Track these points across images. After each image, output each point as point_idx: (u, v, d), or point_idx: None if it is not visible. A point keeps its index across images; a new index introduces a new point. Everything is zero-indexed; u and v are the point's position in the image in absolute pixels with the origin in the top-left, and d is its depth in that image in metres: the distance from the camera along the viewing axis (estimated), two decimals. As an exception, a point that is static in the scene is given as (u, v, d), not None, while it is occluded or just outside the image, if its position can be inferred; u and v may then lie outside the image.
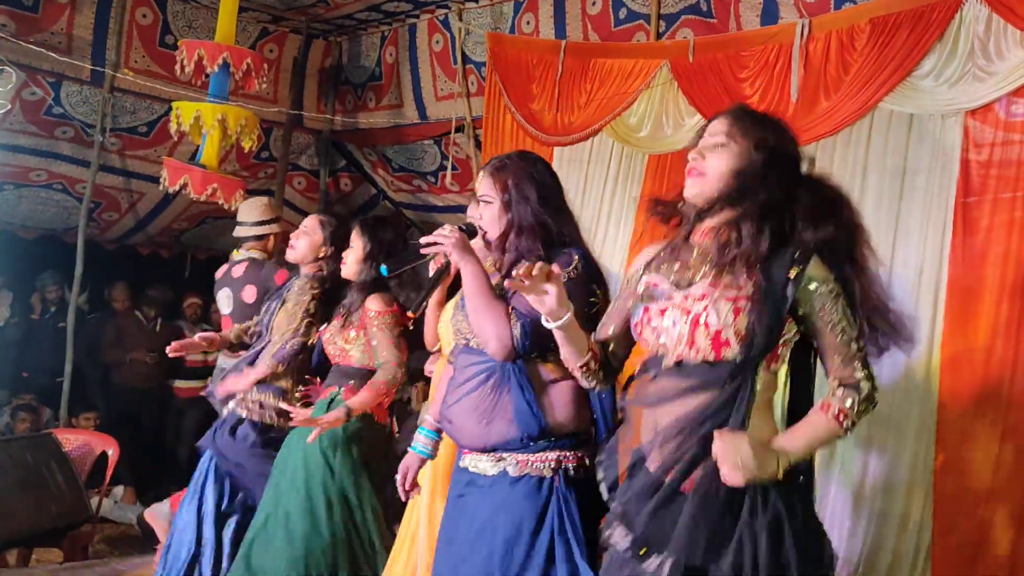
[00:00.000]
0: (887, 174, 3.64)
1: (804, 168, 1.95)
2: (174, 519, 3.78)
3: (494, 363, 2.25)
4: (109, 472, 4.83)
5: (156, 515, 4.57)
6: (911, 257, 3.51)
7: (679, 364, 1.89)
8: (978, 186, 3.38)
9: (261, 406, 3.64)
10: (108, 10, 5.88)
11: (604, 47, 4.92)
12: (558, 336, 2.03)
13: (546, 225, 2.31)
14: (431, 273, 3.00)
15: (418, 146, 6.55)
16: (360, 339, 3.32)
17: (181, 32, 6.13)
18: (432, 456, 2.62)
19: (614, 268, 4.25)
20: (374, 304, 3.29)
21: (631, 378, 2.09)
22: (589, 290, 2.25)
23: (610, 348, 2.12)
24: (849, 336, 1.84)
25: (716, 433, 1.78)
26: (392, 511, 3.31)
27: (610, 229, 4.61)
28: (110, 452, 4.87)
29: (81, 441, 4.97)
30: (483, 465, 2.28)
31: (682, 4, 4.65)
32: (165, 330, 7.29)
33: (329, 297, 3.63)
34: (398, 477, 2.64)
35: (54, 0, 5.68)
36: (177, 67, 5.15)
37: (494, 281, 2.31)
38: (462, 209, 3.01)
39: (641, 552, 1.87)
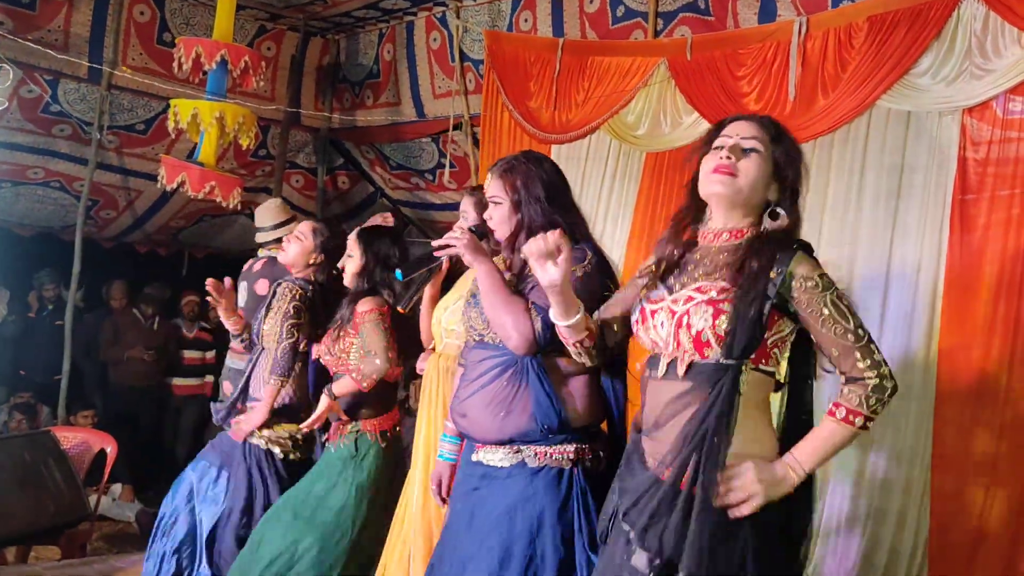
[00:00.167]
0: (885, 172, 3.64)
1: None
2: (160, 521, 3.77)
3: (510, 357, 2.27)
4: (107, 470, 4.83)
5: None
6: (909, 254, 3.52)
7: (671, 364, 1.91)
8: (975, 184, 3.38)
9: (271, 431, 3.63)
10: (106, 7, 5.88)
11: (602, 45, 4.92)
12: (563, 331, 2.04)
13: (556, 223, 2.32)
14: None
15: (416, 144, 6.55)
16: (356, 343, 3.32)
17: (179, 30, 6.13)
18: (457, 462, 2.60)
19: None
20: (364, 305, 3.32)
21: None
22: (603, 284, 2.29)
23: (608, 330, 2.14)
24: (843, 328, 1.83)
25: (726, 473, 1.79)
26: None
27: (607, 227, 4.62)
28: (108, 450, 4.87)
29: (79, 439, 4.97)
30: (498, 458, 2.28)
31: (680, 2, 4.65)
32: (163, 328, 7.30)
33: (320, 305, 3.63)
34: (432, 487, 2.65)
35: (51, -3, 5.68)
36: (175, 65, 5.14)
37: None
38: (459, 207, 3.01)
39: (635, 550, 1.88)
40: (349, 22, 6.60)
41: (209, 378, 7.49)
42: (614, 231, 4.59)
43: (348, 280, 3.42)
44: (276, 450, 3.61)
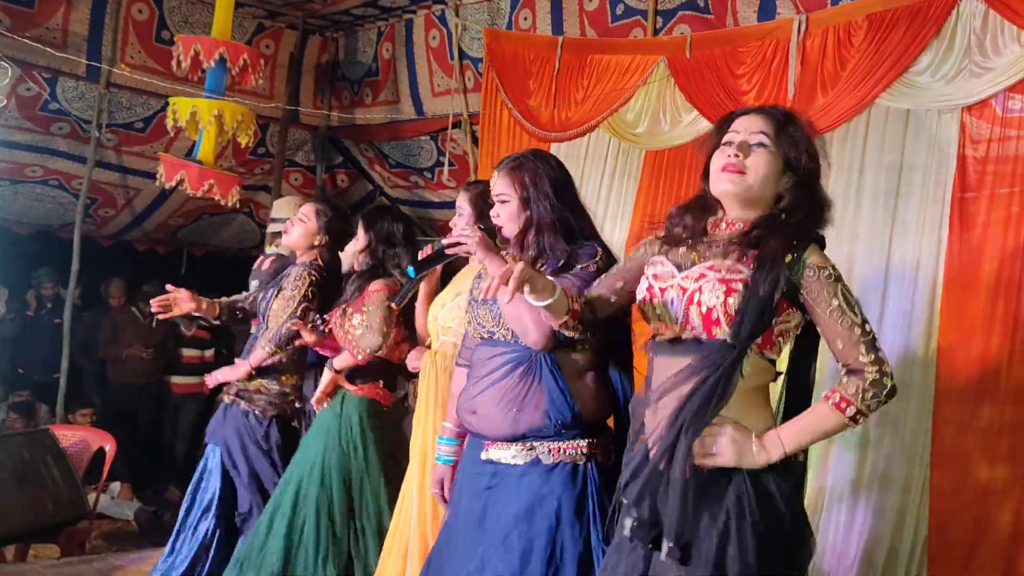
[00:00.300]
0: (884, 170, 3.64)
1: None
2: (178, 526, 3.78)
3: (521, 353, 2.27)
4: (106, 468, 4.83)
5: None
6: (908, 253, 3.52)
7: (673, 342, 1.92)
8: (975, 182, 3.38)
9: (260, 393, 3.65)
10: (104, 5, 5.87)
11: (601, 43, 4.92)
12: (543, 312, 2.04)
13: (566, 221, 2.35)
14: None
15: (415, 142, 6.54)
16: (361, 320, 3.36)
17: (177, 27, 6.12)
18: (456, 463, 2.60)
19: (611, 264, 4.25)
20: (375, 285, 3.39)
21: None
22: None
23: (600, 303, 2.15)
24: (852, 320, 1.83)
25: (706, 429, 1.81)
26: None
27: (607, 225, 4.61)
28: (107, 448, 4.87)
29: (78, 437, 4.97)
30: (511, 455, 2.27)
31: (679, 0, 4.65)
32: (161, 326, 7.28)
33: (325, 287, 3.64)
34: (435, 491, 2.63)
35: (50, -5, 5.67)
36: (173, 63, 5.13)
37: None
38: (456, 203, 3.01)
39: (640, 531, 1.88)
40: (348, 20, 6.59)
41: (208, 376, 7.48)
42: (613, 229, 4.59)
43: (354, 261, 3.50)
44: (257, 411, 3.63)
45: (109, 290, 7.30)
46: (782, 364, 1.99)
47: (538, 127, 4.97)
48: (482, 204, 2.87)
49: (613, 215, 4.62)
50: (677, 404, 1.84)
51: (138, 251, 8.03)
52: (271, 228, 4.64)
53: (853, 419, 1.82)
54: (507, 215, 2.37)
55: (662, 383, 1.91)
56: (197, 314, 3.79)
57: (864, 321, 1.84)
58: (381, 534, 3.27)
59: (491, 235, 2.41)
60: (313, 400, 3.46)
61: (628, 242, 4.48)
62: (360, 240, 3.46)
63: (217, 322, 3.99)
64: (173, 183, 5.20)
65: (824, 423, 1.84)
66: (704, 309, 1.86)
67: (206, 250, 8.42)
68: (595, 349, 2.31)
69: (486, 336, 2.37)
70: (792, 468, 1.92)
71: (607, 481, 2.24)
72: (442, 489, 2.62)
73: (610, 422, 2.40)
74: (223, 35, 5.21)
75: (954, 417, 3.33)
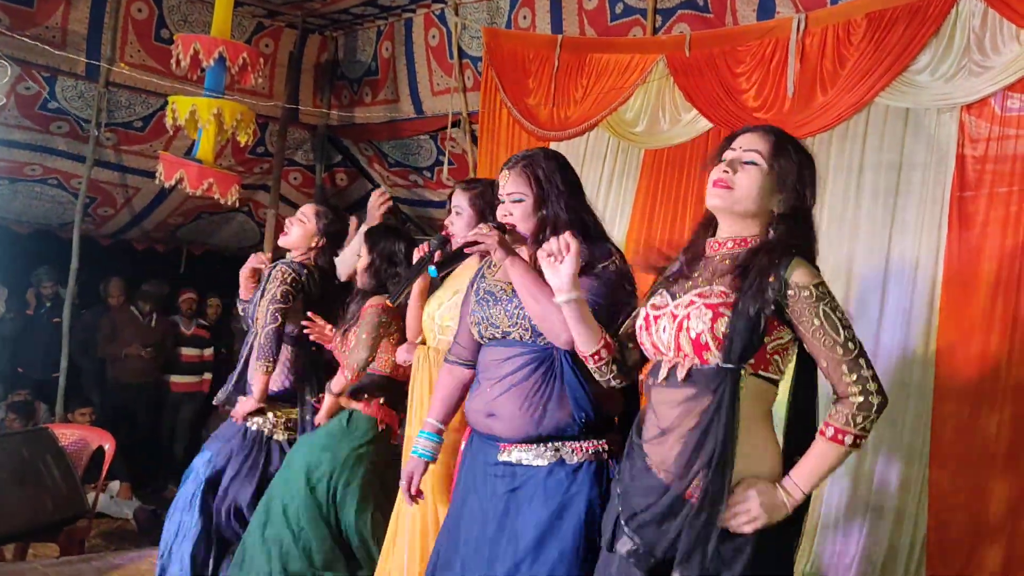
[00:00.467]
0: (883, 169, 3.64)
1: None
2: (170, 519, 3.77)
3: (540, 352, 2.25)
4: (105, 467, 4.82)
5: None
6: (907, 251, 3.52)
7: (673, 370, 1.92)
8: (974, 181, 3.38)
9: (269, 417, 3.65)
10: (103, 4, 5.88)
11: (600, 42, 4.92)
12: (567, 314, 2.03)
13: (582, 220, 2.34)
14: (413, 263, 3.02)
15: (414, 141, 6.54)
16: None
17: (176, 26, 6.12)
18: (434, 459, 2.57)
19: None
20: (370, 302, 3.38)
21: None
22: (623, 284, 2.28)
23: (628, 346, 2.12)
24: (832, 340, 1.82)
25: (731, 501, 1.81)
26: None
27: (606, 224, 4.61)
28: (106, 447, 4.86)
29: (77, 436, 4.96)
30: (533, 456, 2.25)
31: (678, -1, 4.66)
32: (160, 325, 7.30)
33: (320, 289, 3.63)
34: (402, 484, 2.56)
35: (49, -6, 5.67)
36: (173, 61, 5.14)
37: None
38: (451, 201, 3.00)
39: (637, 556, 1.89)
40: (347, 19, 6.59)
41: (207, 375, 7.50)
42: (612, 228, 4.58)
43: (359, 278, 3.49)
44: (277, 435, 3.63)
45: (108, 289, 7.30)
46: (786, 381, 1.99)
47: (537, 126, 4.97)
48: (482, 204, 2.86)
49: (612, 214, 4.62)
50: (688, 440, 1.84)
51: (137, 250, 8.03)
52: None
53: (854, 445, 1.83)
54: (521, 214, 2.33)
55: (663, 414, 1.91)
56: None
57: (848, 339, 1.82)
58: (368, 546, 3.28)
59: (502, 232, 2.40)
60: (318, 420, 3.44)
61: (628, 239, 4.49)
62: (363, 258, 3.46)
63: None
64: (172, 182, 5.20)
65: (830, 459, 1.85)
66: (693, 335, 1.86)
67: (205, 249, 8.42)
68: None
69: (499, 336, 2.33)
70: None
71: None
72: (410, 484, 2.54)
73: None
74: (222, 34, 5.21)
75: (953, 416, 3.33)
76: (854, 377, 1.81)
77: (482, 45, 5.37)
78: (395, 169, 6.96)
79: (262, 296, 3.63)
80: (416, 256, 3.05)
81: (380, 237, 3.47)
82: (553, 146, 4.87)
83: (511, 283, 2.33)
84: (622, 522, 1.94)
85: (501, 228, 2.32)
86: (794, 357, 1.95)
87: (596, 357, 2.05)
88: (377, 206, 3.82)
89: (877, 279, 3.56)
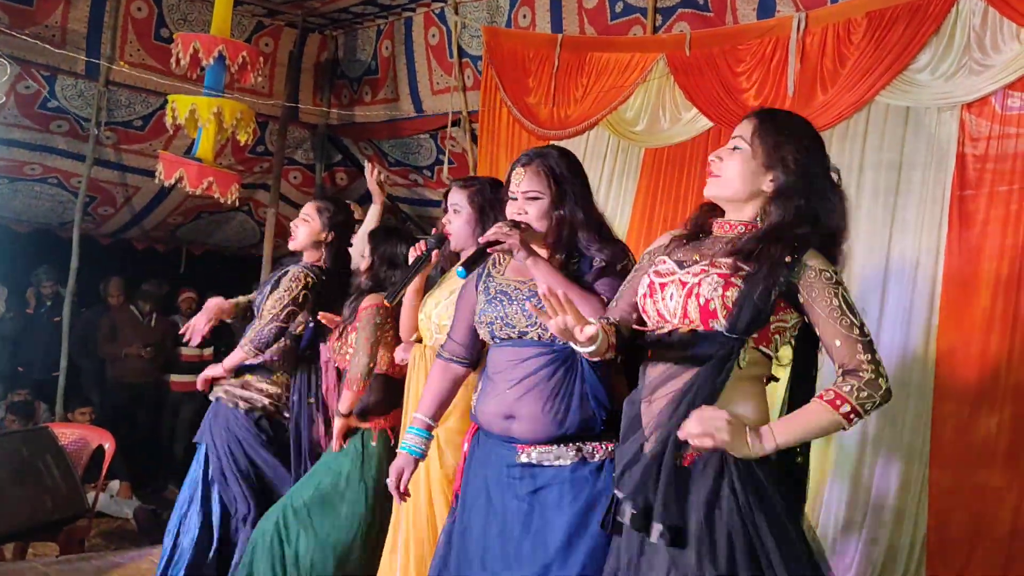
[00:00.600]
0: (883, 168, 3.64)
1: (827, 173, 1.96)
2: (173, 519, 3.76)
3: (559, 351, 2.22)
4: (105, 466, 4.82)
5: None
6: (907, 251, 3.52)
7: (670, 335, 1.93)
8: (974, 180, 3.38)
9: (244, 388, 3.64)
10: (103, 3, 5.88)
11: (600, 41, 4.91)
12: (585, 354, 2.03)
13: (598, 219, 2.33)
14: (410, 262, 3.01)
15: (414, 140, 6.54)
16: (357, 338, 3.35)
17: (176, 25, 6.12)
18: (424, 457, 2.53)
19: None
20: (365, 302, 3.35)
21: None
22: None
23: (623, 328, 2.12)
24: (851, 321, 1.84)
25: (695, 411, 1.83)
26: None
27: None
28: (106, 446, 4.86)
29: (77, 435, 4.96)
30: (554, 456, 2.23)
31: (678, -2, 4.65)
32: (160, 325, 7.30)
33: (332, 286, 3.63)
34: (390, 480, 2.49)
35: (48, -7, 5.67)
36: (172, 60, 5.13)
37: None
38: (448, 200, 2.98)
39: (638, 519, 1.89)
40: (347, 18, 6.59)
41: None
42: (612, 227, 4.57)
43: (360, 278, 3.50)
44: (242, 405, 3.64)
45: (108, 288, 7.30)
46: (779, 371, 2.00)
47: (537, 125, 4.97)
48: (480, 201, 2.85)
49: (612, 213, 4.62)
50: (675, 392, 1.86)
51: (137, 249, 8.03)
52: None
53: (847, 417, 1.82)
54: (537, 212, 2.29)
55: (658, 374, 1.93)
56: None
57: (863, 324, 1.85)
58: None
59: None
60: (334, 445, 3.42)
61: (628, 239, 4.48)
62: (365, 259, 3.46)
63: (231, 320, 3.97)
64: (172, 181, 5.19)
65: (817, 420, 1.84)
66: (702, 301, 1.88)
67: (205, 248, 8.42)
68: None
69: (515, 336, 2.29)
70: (791, 469, 1.93)
71: None
72: (399, 481, 2.47)
73: None
74: (222, 33, 5.21)
75: (953, 415, 3.33)
76: (868, 357, 1.84)
77: (482, 44, 5.37)
78: (395, 168, 6.95)
79: (273, 290, 3.62)
80: (412, 255, 3.03)
81: (381, 239, 3.46)
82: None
83: (526, 281, 2.31)
84: (620, 493, 1.95)
85: (516, 226, 2.28)
86: (789, 341, 1.96)
87: (604, 353, 2.05)
88: (374, 181, 3.82)
89: (877, 278, 3.56)
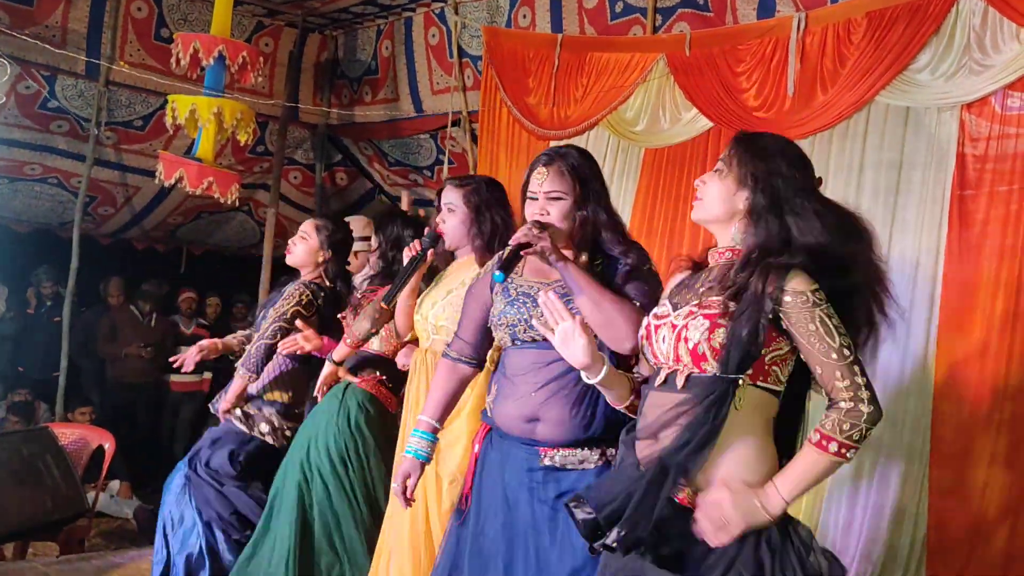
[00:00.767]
0: (883, 168, 3.64)
1: (809, 192, 1.91)
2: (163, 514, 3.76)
3: None
4: (105, 466, 4.82)
5: None
6: (907, 251, 3.52)
7: (670, 376, 1.91)
8: (974, 180, 3.38)
9: (257, 422, 3.64)
10: (103, 3, 5.88)
11: (600, 41, 4.91)
12: (604, 392, 2.04)
13: (619, 221, 2.31)
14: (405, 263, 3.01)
15: (414, 140, 6.54)
16: None
17: (176, 25, 6.12)
18: (430, 460, 2.48)
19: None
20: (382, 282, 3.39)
21: None
22: (657, 287, 2.23)
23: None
24: (828, 345, 1.79)
25: (699, 498, 1.80)
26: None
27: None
28: (106, 446, 4.86)
29: (77, 435, 4.96)
30: (577, 460, 2.21)
31: (678, -2, 4.66)
32: (160, 325, 7.30)
33: (324, 307, 3.63)
34: (395, 485, 2.45)
35: (49, -7, 5.67)
36: (172, 60, 5.13)
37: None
38: (443, 199, 2.97)
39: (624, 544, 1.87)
40: (347, 18, 6.59)
41: (207, 375, 7.50)
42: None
43: (370, 265, 3.53)
44: (260, 437, 3.63)
45: (108, 288, 7.30)
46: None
47: (537, 125, 4.97)
48: (477, 200, 2.85)
49: (612, 213, 4.62)
50: (674, 439, 1.82)
51: (137, 249, 8.03)
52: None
53: (839, 455, 1.78)
54: (559, 213, 2.25)
55: (658, 416, 1.89)
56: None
57: (843, 346, 1.80)
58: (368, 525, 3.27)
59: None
60: (316, 390, 3.45)
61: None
62: (373, 243, 3.49)
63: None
64: (172, 181, 5.20)
65: (815, 465, 1.81)
66: (691, 345, 1.85)
67: (205, 248, 8.42)
68: None
69: (539, 338, 2.22)
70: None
71: None
72: (405, 486, 2.42)
73: None
74: (222, 33, 5.21)
75: (953, 415, 3.33)
76: (846, 383, 1.79)
77: (482, 44, 5.37)
78: (395, 168, 6.96)
79: (272, 308, 3.62)
80: (407, 255, 3.02)
81: (388, 221, 3.48)
82: (553, 145, 4.87)
83: (550, 283, 2.28)
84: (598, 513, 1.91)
85: (542, 227, 2.23)
86: (792, 365, 1.91)
87: (629, 408, 2.05)
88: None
89: (877, 278, 3.56)
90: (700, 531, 1.79)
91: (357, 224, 4.25)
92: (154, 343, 7.15)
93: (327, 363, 3.39)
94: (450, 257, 3.02)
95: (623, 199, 4.61)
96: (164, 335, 7.28)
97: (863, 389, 1.79)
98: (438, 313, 2.91)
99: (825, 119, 3.74)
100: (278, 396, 3.66)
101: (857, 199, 3.67)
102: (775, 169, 1.90)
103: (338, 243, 3.71)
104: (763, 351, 1.83)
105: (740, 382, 1.82)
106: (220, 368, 7.32)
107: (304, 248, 3.69)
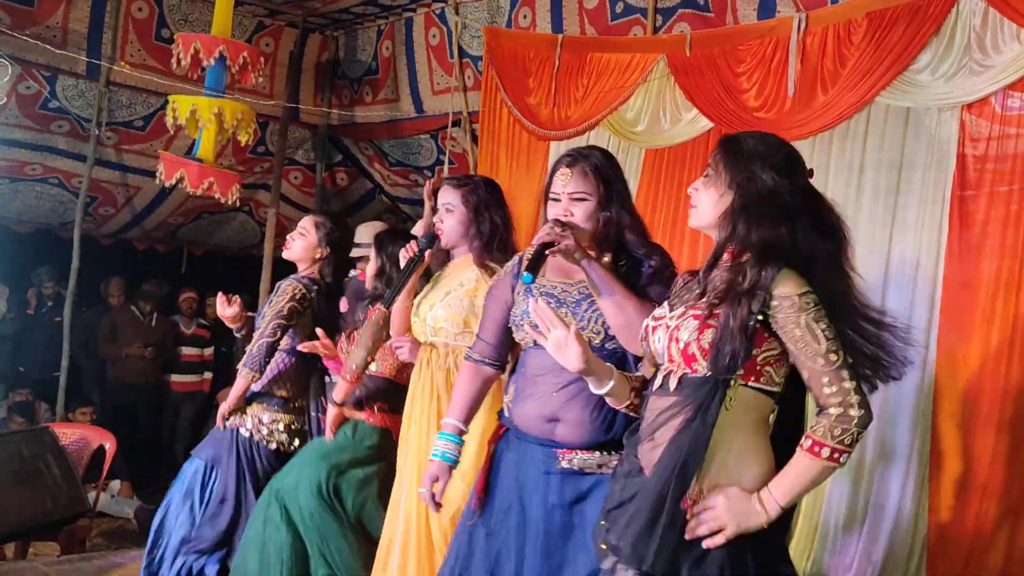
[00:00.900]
0: (884, 168, 3.64)
1: (800, 195, 1.90)
2: (160, 521, 3.76)
3: (610, 356, 2.19)
4: (106, 466, 4.82)
5: None
6: (908, 251, 3.52)
7: (666, 378, 1.91)
8: (974, 180, 3.39)
9: (260, 422, 3.64)
10: (104, 4, 5.88)
11: (601, 41, 4.92)
12: (609, 401, 2.03)
13: (643, 222, 2.31)
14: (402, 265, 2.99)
15: (415, 140, 6.54)
16: None
17: (177, 26, 6.13)
18: (457, 463, 2.46)
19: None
20: (376, 305, 3.34)
21: None
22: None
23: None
24: (814, 350, 1.78)
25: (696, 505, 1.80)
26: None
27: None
28: (107, 446, 4.86)
29: (78, 435, 4.96)
30: (595, 463, 2.21)
31: (678, -2, 4.66)
32: (161, 325, 7.31)
33: (318, 302, 3.62)
34: (423, 490, 2.42)
35: (49, -6, 5.68)
36: (173, 61, 5.13)
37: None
38: (440, 198, 2.95)
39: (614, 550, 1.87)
40: (348, 18, 6.59)
41: (207, 375, 7.50)
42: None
43: (368, 283, 3.48)
44: (263, 440, 3.62)
45: (109, 289, 7.30)
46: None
47: (538, 125, 4.97)
48: (475, 200, 2.84)
49: (613, 213, 4.62)
50: (669, 440, 1.83)
51: (138, 250, 8.03)
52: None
53: (832, 460, 1.78)
54: (584, 214, 2.25)
55: (653, 418, 1.90)
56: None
57: (830, 350, 1.78)
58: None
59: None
60: (327, 435, 3.42)
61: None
62: (372, 263, 3.45)
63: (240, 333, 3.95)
64: (173, 181, 5.19)
65: (808, 471, 1.80)
66: (681, 345, 1.86)
67: (206, 249, 8.43)
68: None
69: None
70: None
71: None
72: (433, 491, 2.40)
73: None
74: (223, 33, 5.21)
75: (954, 415, 3.33)
76: (834, 389, 1.78)
77: (482, 44, 5.37)
78: (395, 168, 6.96)
79: (268, 307, 3.62)
80: (403, 256, 3.01)
81: (389, 241, 3.45)
82: (554, 146, 4.88)
83: (574, 283, 2.28)
84: (601, 516, 1.94)
85: (564, 227, 2.22)
86: (787, 366, 1.90)
87: (629, 407, 2.04)
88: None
89: (878, 278, 3.56)
90: (693, 532, 1.79)
91: (368, 231, 4.26)
92: (155, 343, 7.16)
93: (330, 405, 3.35)
94: (445, 258, 3.01)
95: (624, 199, 4.61)
96: (165, 335, 7.28)
97: (852, 394, 1.78)
98: (437, 315, 2.89)
99: (825, 119, 3.74)
100: (278, 392, 3.66)
101: (857, 200, 3.68)
102: (755, 172, 1.88)
103: (336, 241, 3.71)
104: (754, 351, 1.82)
105: (732, 382, 1.82)
106: (220, 368, 7.36)
107: (302, 244, 3.69)
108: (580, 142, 4.78)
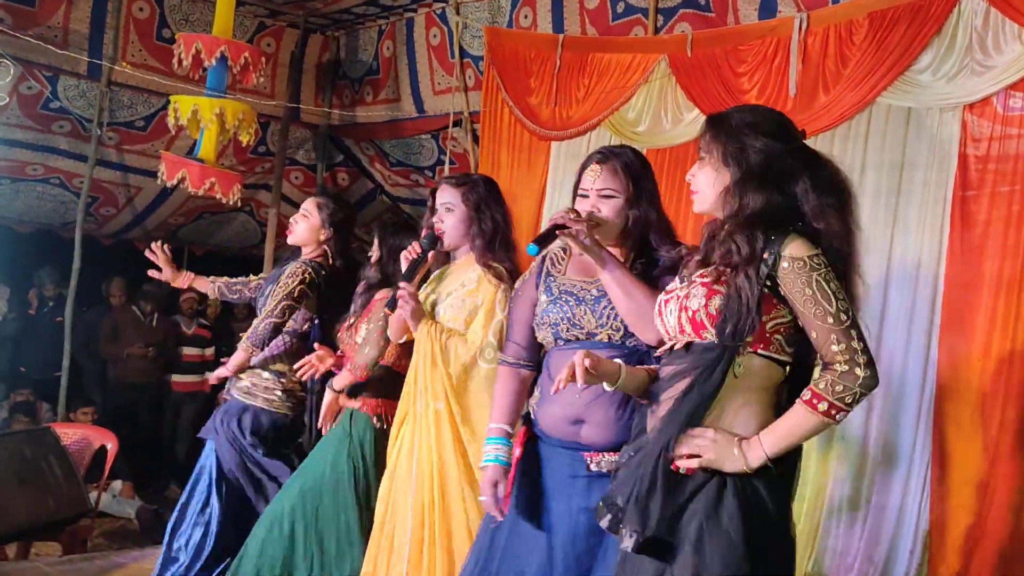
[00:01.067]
0: (885, 168, 3.65)
1: (796, 156, 1.90)
2: (175, 519, 3.76)
3: (629, 352, 2.18)
4: (107, 466, 4.83)
5: None
6: (909, 252, 3.52)
7: (672, 350, 1.93)
8: (976, 180, 3.39)
9: (253, 387, 3.65)
10: (105, 4, 5.89)
11: (602, 41, 4.92)
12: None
13: (670, 222, 2.31)
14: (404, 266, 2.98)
15: (415, 140, 6.55)
16: (366, 329, 3.34)
17: (178, 26, 6.13)
18: (511, 464, 2.41)
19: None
20: (380, 293, 3.34)
21: None
22: None
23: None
24: (824, 309, 1.78)
25: (683, 435, 1.81)
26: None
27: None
28: (108, 446, 4.87)
29: (79, 435, 4.97)
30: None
31: (680, -2, 4.66)
32: (162, 325, 7.31)
33: (325, 285, 3.62)
34: (485, 499, 2.37)
35: (51, -6, 5.68)
36: (174, 61, 5.13)
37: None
38: (439, 197, 2.93)
39: (614, 524, 1.87)
40: (349, 19, 6.59)
41: (208, 375, 7.50)
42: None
43: (368, 272, 3.49)
44: (257, 403, 3.64)
45: (110, 289, 7.30)
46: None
47: (539, 125, 4.97)
48: (475, 198, 2.84)
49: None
50: (670, 405, 1.85)
51: (139, 250, 8.00)
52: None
53: (827, 415, 1.77)
54: (611, 211, 2.25)
55: (662, 385, 1.92)
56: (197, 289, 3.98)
57: (841, 310, 1.78)
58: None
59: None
60: (319, 424, 3.42)
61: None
62: (374, 253, 3.46)
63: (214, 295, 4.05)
64: (174, 181, 5.20)
65: (802, 424, 1.80)
66: (691, 313, 1.87)
67: (207, 249, 8.43)
68: None
69: (582, 337, 2.23)
70: (770, 476, 1.86)
71: None
72: (496, 496, 2.35)
73: None
74: (224, 33, 5.21)
75: (955, 414, 3.34)
76: (842, 347, 1.77)
77: (483, 44, 5.37)
78: (396, 168, 6.96)
79: (275, 285, 3.61)
80: (404, 259, 3.00)
81: (391, 233, 3.46)
82: (555, 146, 4.89)
83: (592, 281, 2.27)
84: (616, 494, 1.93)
85: (578, 213, 2.22)
86: (796, 336, 1.89)
87: (643, 395, 2.05)
88: None
89: (879, 278, 3.56)
90: (677, 459, 1.80)
91: None
92: (156, 343, 7.16)
93: (328, 392, 3.34)
94: (445, 259, 3.00)
95: (625, 199, 4.62)
96: (166, 335, 7.28)
97: (860, 354, 1.78)
98: (441, 314, 2.89)
99: (827, 120, 3.74)
100: (278, 367, 3.67)
101: (859, 200, 3.67)
102: (746, 142, 1.89)
103: (340, 222, 3.69)
104: (764, 318, 1.83)
105: (740, 350, 1.82)
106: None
107: (305, 226, 3.66)
108: (581, 142, 4.80)
